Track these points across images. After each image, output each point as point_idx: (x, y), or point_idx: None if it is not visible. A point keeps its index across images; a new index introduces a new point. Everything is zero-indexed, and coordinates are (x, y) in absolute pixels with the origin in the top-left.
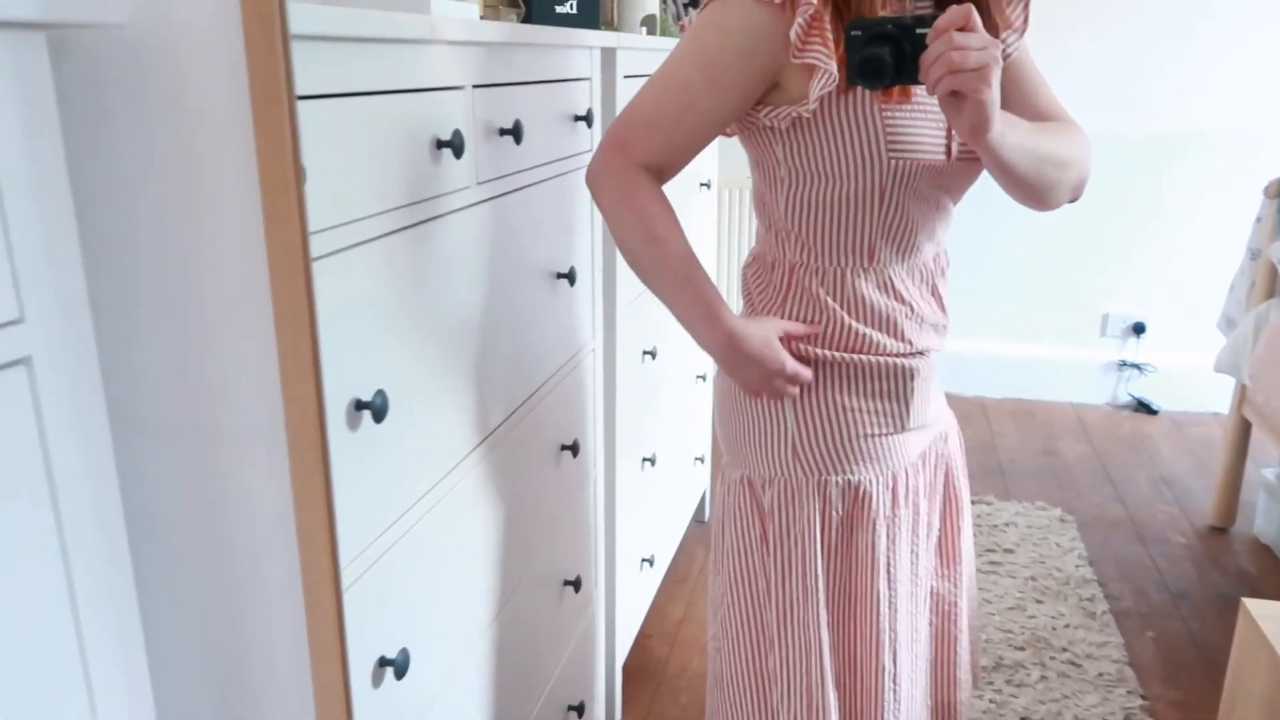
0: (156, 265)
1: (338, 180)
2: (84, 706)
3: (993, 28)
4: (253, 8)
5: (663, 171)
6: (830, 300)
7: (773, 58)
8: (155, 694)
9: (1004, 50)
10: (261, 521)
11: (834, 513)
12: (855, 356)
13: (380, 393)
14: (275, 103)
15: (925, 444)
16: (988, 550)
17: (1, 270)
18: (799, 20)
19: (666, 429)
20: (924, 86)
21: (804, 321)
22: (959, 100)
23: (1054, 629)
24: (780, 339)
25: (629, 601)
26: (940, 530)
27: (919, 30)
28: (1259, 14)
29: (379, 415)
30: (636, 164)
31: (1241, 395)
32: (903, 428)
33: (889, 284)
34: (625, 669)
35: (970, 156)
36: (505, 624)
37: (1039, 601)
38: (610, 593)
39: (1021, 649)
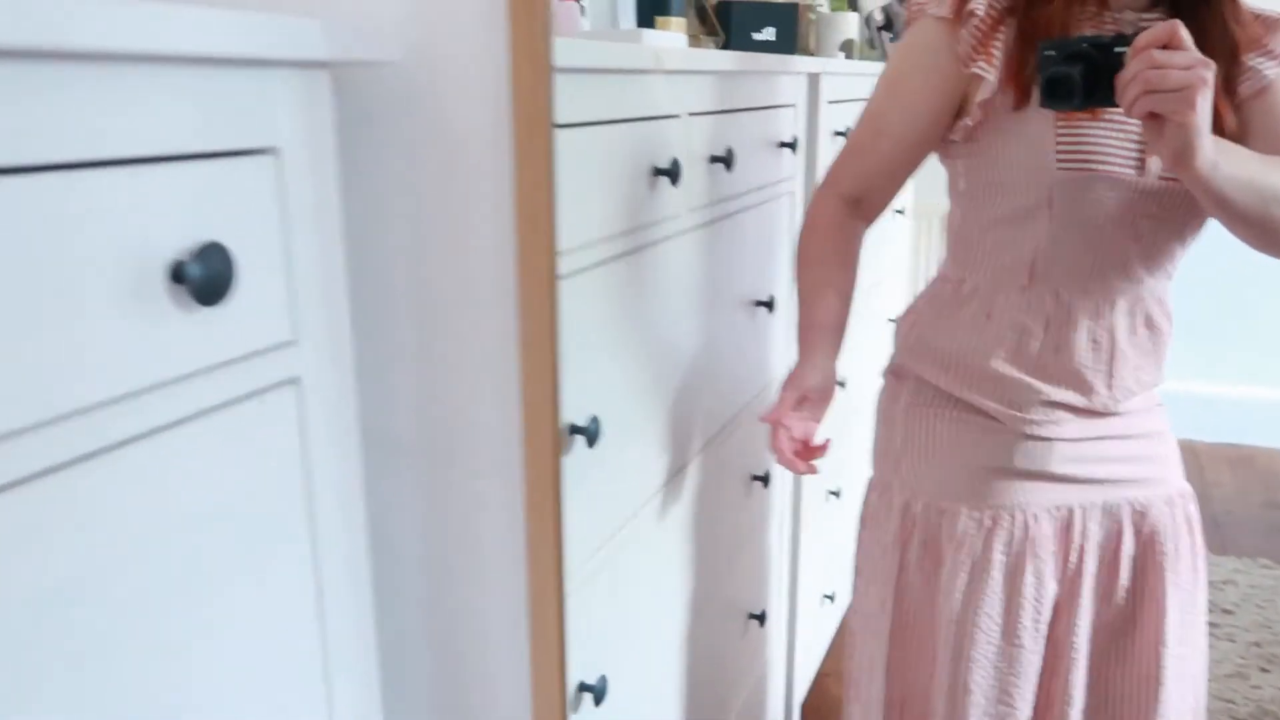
0: (410, 288)
1: (570, 208)
2: (323, 713)
3: (1226, 48)
4: (522, 42)
5: (864, 200)
6: (969, 319)
7: (953, 73)
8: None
9: (1256, 78)
10: (488, 543)
11: (916, 532)
12: (968, 394)
13: (595, 419)
14: (537, 131)
15: (1073, 498)
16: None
17: (279, 294)
18: (964, 33)
19: (854, 462)
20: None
21: (930, 331)
22: (1159, 124)
23: None
24: (802, 403)
25: (809, 638)
26: (1113, 614)
27: (1117, 49)
28: None
29: (592, 440)
30: (838, 194)
31: None
32: (1007, 471)
33: (1042, 311)
34: (804, 708)
35: (1176, 180)
36: (692, 655)
37: (1265, 671)
38: (792, 628)
39: None
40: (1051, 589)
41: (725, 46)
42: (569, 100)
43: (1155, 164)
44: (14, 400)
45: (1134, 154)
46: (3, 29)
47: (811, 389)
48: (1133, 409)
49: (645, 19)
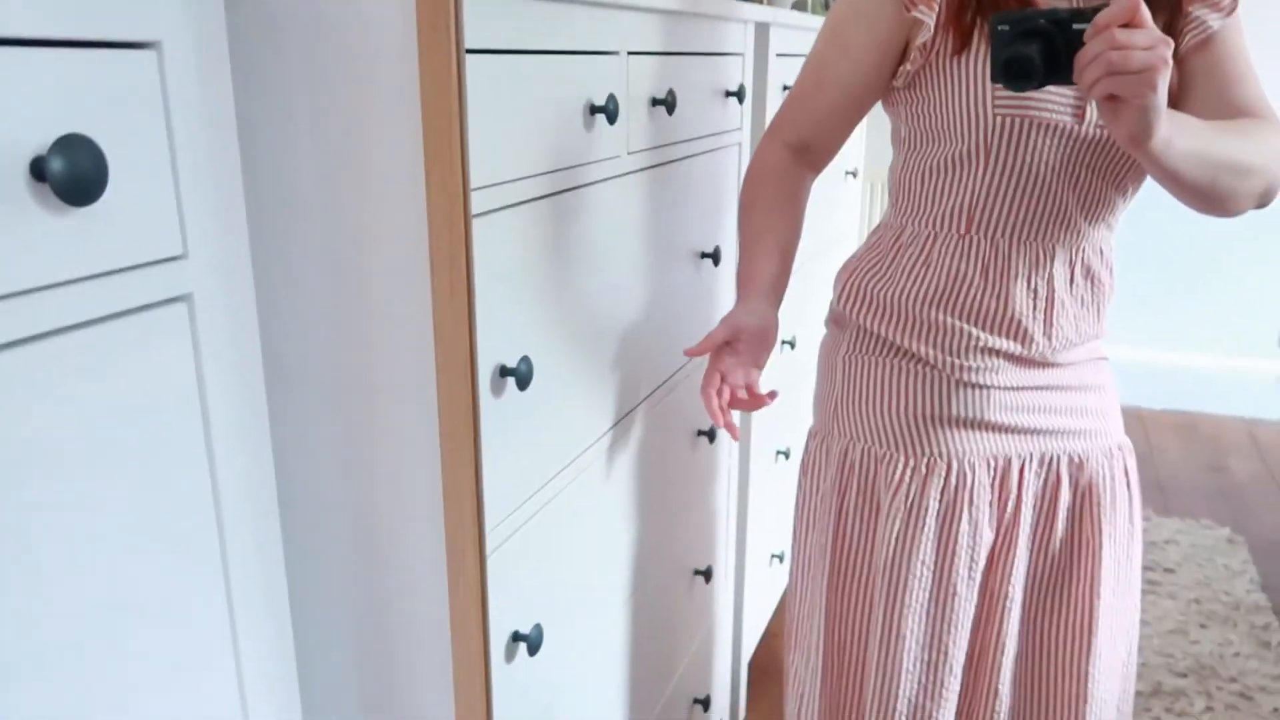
0: (317, 213)
1: (493, 140)
2: (228, 650)
3: (1177, 14)
4: None
5: (810, 149)
6: (908, 266)
7: (895, 17)
8: (297, 646)
9: (1200, 28)
10: (406, 480)
11: (854, 478)
12: (906, 340)
13: (525, 359)
14: (443, 54)
15: (1010, 448)
16: (1145, 569)
17: (165, 203)
18: None
19: (802, 423)
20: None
21: (869, 278)
22: (1117, 105)
23: (1221, 657)
24: (729, 344)
25: (757, 597)
26: (1048, 564)
27: (1076, 26)
28: None
29: (523, 383)
30: (783, 141)
31: None
32: (941, 420)
33: (979, 257)
34: (752, 665)
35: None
36: (636, 609)
37: (1203, 626)
38: (739, 586)
39: (1183, 675)
40: (987, 537)
41: None
42: (487, 24)
43: (1094, 112)
44: None
45: (1073, 102)
46: None
47: (744, 328)
48: (1073, 360)
49: None
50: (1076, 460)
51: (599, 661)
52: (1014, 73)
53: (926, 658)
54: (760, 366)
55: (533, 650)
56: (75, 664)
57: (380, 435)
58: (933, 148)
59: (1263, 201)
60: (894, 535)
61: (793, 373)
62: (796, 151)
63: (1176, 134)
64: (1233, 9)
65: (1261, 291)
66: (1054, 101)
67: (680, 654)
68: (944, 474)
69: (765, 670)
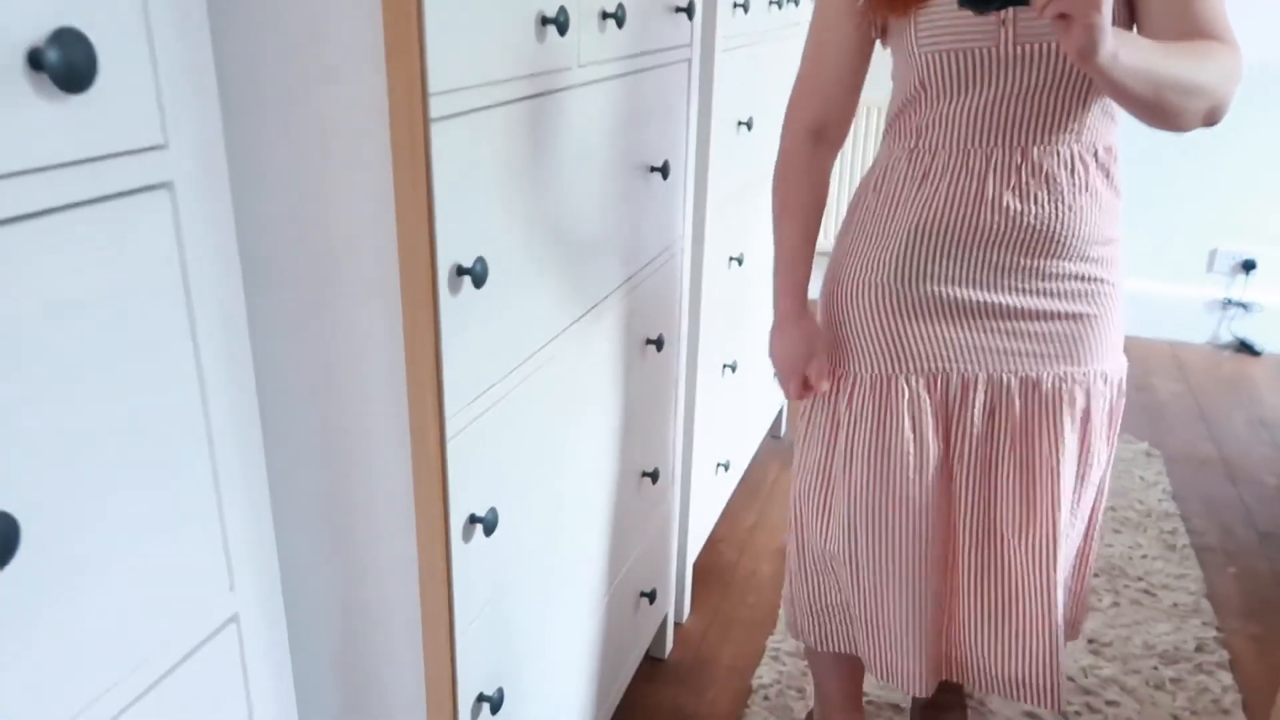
0: (284, 110)
1: (450, 47)
2: (214, 509)
3: None
4: None
5: (826, 127)
6: (872, 182)
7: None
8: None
9: None
10: (371, 365)
11: (849, 382)
12: (875, 267)
13: (480, 259)
14: None
15: (972, 367)
16: None
17: (148, 98)
18: None
19: (750, 339)
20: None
21: (857, 220)
22: (1067, 23)
23: (1130, 559)
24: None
25: (703, 502)
26: (1003, 475)
27: None
28: None
29: (479, 281)
30: (803, 127)
31: None
32: (906, 337)
33: (931, 170)
34: (696, 567)
35: (1034, 40)
36: (586, 502)
37: (1117, 531)
38: (685, 490)
39: (1096, 575)
40: (937, 449)
41: None
42: None
43: (1007, 34)
44: None
45: (987, 24)
46: None
47: (805, 360)
48: (1051, 289)
49: None
50: (1033, 380)
51: (550, 547)
52: None
53: (883, 566)
54: (826, 366)
55: (488, 531)
56: (71, 519)
57: (346, 325)
58: (896, 92)
59: (1210, 120)
60: (859, 444)
61: (741, 289)
62: (815, 135)
63: (1123, 50)
64: None
65: (1190, 218)
66: (970, 33)
67: (629, 548)
68: (904, 389)
69: (710, 571)
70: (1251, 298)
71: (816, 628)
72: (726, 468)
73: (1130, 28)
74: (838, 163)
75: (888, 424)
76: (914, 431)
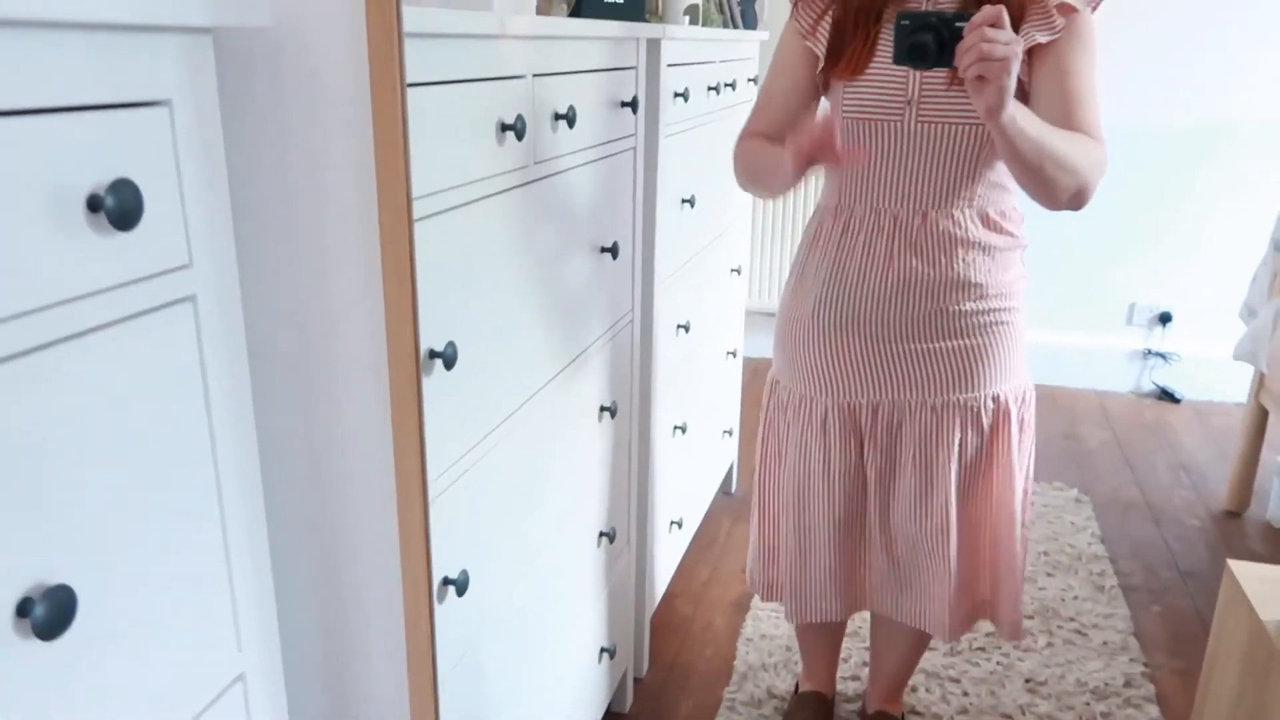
0: (287, 221)
1: (424, 158)
2: (223, 573)
3: (1011, 17)
4: (376, 16)
5: (776, 139)
6: (811, 232)
7: (805, 47)
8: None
9: (1030, 38)
10: (359, 451)
11: (782, 394)
12: (804, 300)
13: (451, 344)
14: (390, 90)
15: (880, 393)
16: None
17: (178, 226)
18: (801, 13)
19: (698, 401)
20: (888, 65)
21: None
22: (983, 84)
23: (1063, 600)
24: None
25: (659, 559)
26: (909, 477)
27: (958, 24)
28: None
29: (449, 363)
30: (754, 132)
31: (1260, 383)
32: (828, 362)
33: (849, 225)
34: (654, 623)
35: (933, 121)
36: (549, 563)
37: (1050, 574)
38: (642, 548)
39: (1030, 617)
40: (850, 457)
41: (576, 9)
42: (421, 61)
43: (912, 113)
44: None
45: (898, 103)
46: None
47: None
48: (948, 327)
49: None
50: (937, 407)
51: (518, 606)
52: (915, 55)
53: (807, 545)
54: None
55: (460, 592)
56: (111, 590)
57: (339, 410)
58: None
59: (1076, 202)
60: (791, 447)
61: (688, 354)
62: (768, 137)
63: (1019, 116)
64: (1059, 30)
65: (1111, 275)
66: (882, 106)
67: (588, 606)
68: (823, 405)
69: (667, 625)
70: (1169, 348)
71: (764, 581)
72: (680, 525)
73: None
74: (783, 211)
75: (807, 436)
76: (824, 442)
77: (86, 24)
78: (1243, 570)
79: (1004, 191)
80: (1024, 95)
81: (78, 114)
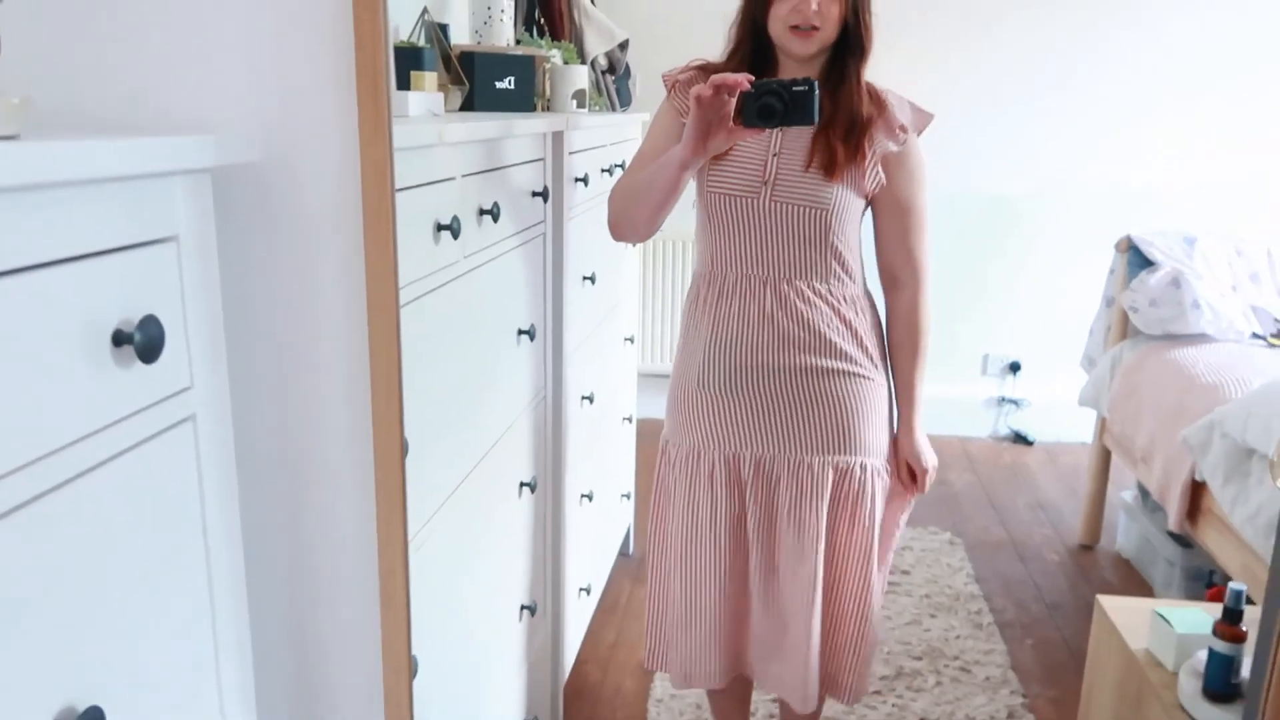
0: (274, 350)
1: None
2: (210, 652)
3: (853, 113)
4: (369, 132)
5: None
6: (690, 297)
7: (678, 125)
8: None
9: (883, 144)
10: (339, 542)
11: (672, 451)
12: (686, 367)
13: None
14: (382, 215)
15: (753, 450)
16: (889, 572)
17: (183, 354)
18: (673, 97)
19: (601, 468)
20: (750, 148)
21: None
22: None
23: (947, 640)
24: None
25: (569, 627)
26: (779, 534)
27: (795, 88)
28: (1108, 87)
29: (404, 452)
30: None
31: (1102, 426)
32: (706, 423)
33: (723, 290)
34: (566, 690)
35: (784, 201)
36: (482, 640)
37: (933, 616)
38: (558, 618)
39: (919, 659)
40: (732, 508)
41: (469, 94)
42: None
43: (767, 192)
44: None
45: (755, 183)
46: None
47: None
48: (819, 386)
49: (402, 77)
50: (805, 466)
51: (459, 688)
52: (765, 115)
53: (693, 594)
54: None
55: (412, 675)
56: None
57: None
58: (699, 214)
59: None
60: (675, 500)
61: (593, 423)
62: None
63: (917, 435)
64: (904, 144)
65: (966, 329)
66: (740, 183)
67: (512, 680)
68: (703, 462)
69: (579, 692)
70: (1020, 394)
71: (657, 651)
72: (589, 591)
73: (864, 210)
74: (668, 274)
75: (696, 489)
76: (711, 493)
77: (117, 177)
78: (1111, 604)
79: (851, 282)
80: (864, 196)
81: (103, 257)
